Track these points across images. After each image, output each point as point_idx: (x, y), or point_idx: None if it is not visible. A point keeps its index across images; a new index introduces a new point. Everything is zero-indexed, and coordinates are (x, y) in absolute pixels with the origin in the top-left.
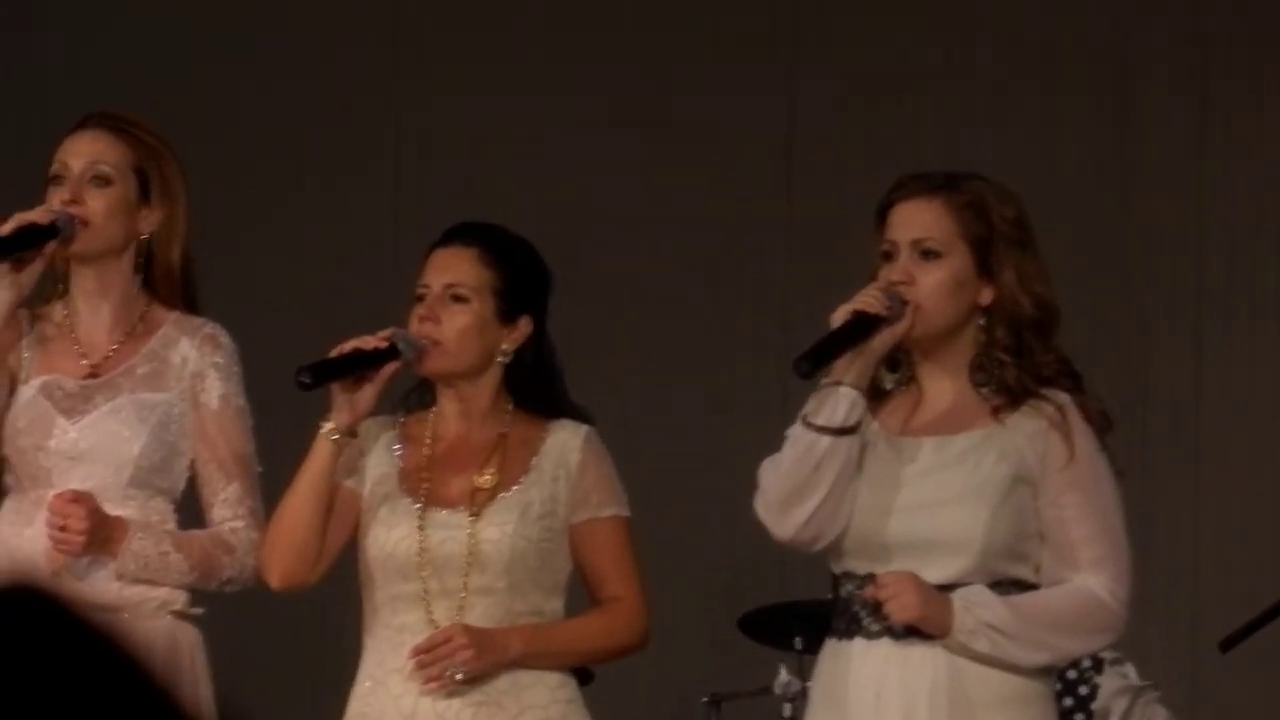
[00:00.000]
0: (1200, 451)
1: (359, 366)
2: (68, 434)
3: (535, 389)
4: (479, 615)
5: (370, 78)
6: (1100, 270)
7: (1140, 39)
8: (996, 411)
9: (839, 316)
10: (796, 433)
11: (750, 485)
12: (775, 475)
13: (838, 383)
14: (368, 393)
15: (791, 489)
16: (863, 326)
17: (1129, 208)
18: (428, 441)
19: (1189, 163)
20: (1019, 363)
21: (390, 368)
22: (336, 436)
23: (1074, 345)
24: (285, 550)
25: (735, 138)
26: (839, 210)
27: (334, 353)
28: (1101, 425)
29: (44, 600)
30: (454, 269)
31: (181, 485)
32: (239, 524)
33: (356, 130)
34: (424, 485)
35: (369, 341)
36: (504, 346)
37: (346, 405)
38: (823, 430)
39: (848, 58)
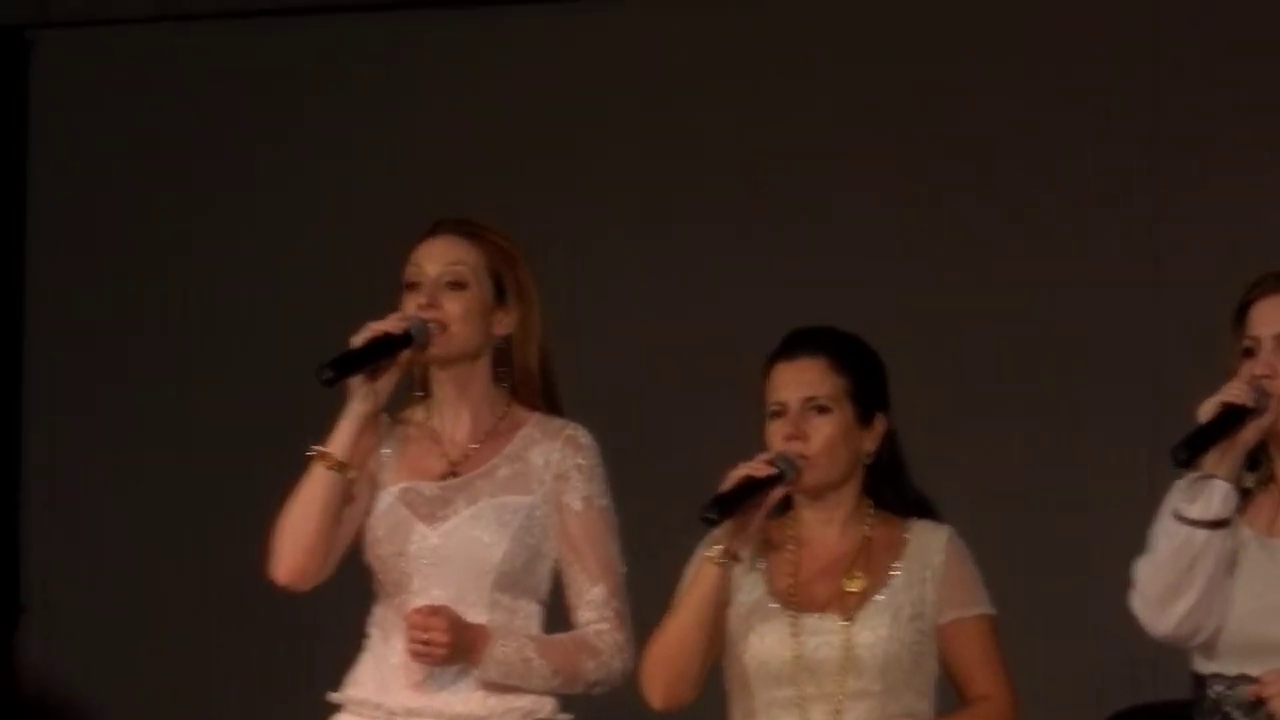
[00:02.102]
0: None
1: (751, 494)
2: (428, 539)
3: (892, 488)
4: (854, 719)
5: None
6: None
7: None
8: None
9: (1207, 410)
10: (1171, 528)
11: (1110, 580)
12: (1151, 570)
13: (1211, 476)
14: (756, 520)
15: (1168, 584)
16: (1232, 418)
17: None
18: (791, 548)
19: None
20: None
21: (778, 492)
22: (722, 561)
23: None
24: (669, 675)
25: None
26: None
27: (728, 484)
28: None
29: None
30: (810, 383)
31: (546, 587)
32: (604, 626)
33: None
34: (792, 592)
35: (759, 469)
36: (867, 448)
37: (734, 531)
38: (1197, 524)
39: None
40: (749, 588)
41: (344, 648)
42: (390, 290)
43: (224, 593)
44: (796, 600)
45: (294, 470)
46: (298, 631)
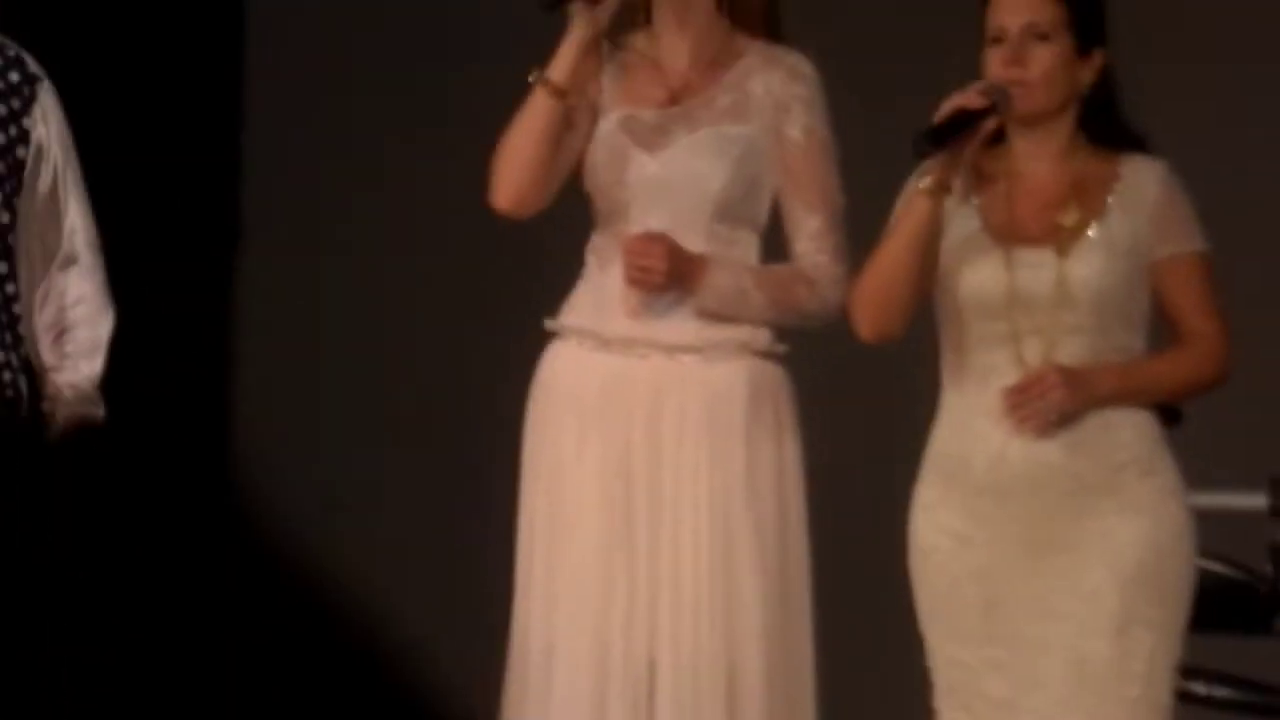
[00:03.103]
0: None
1: (965, 126)
2: (647, 168)
3: (1107, 123)
4: (1068, 354)
5: None
6: None
7: None
8: None
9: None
10: None
11: None
12: None
13: None
14: (968, 152)
15: None
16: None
17: None
18: (1004, 182)
19: None
20: None
21: (991, 123)
22: (934, 193)
23: None
24: (878, 307)
25: None
26: None
27: (940, 115)
28: None
29: None
30: (1031, 7)
31: (764, 218)
32: (822, 258)
33: None
34: (1006, 225)
35: (972, 100)
36: (1084, 79)
37: (947, 162)
38: None
39: None
40: (962, 221)
41: (565, 276)
42: None
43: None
44: (1010, 233)
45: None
46: (520, 256)
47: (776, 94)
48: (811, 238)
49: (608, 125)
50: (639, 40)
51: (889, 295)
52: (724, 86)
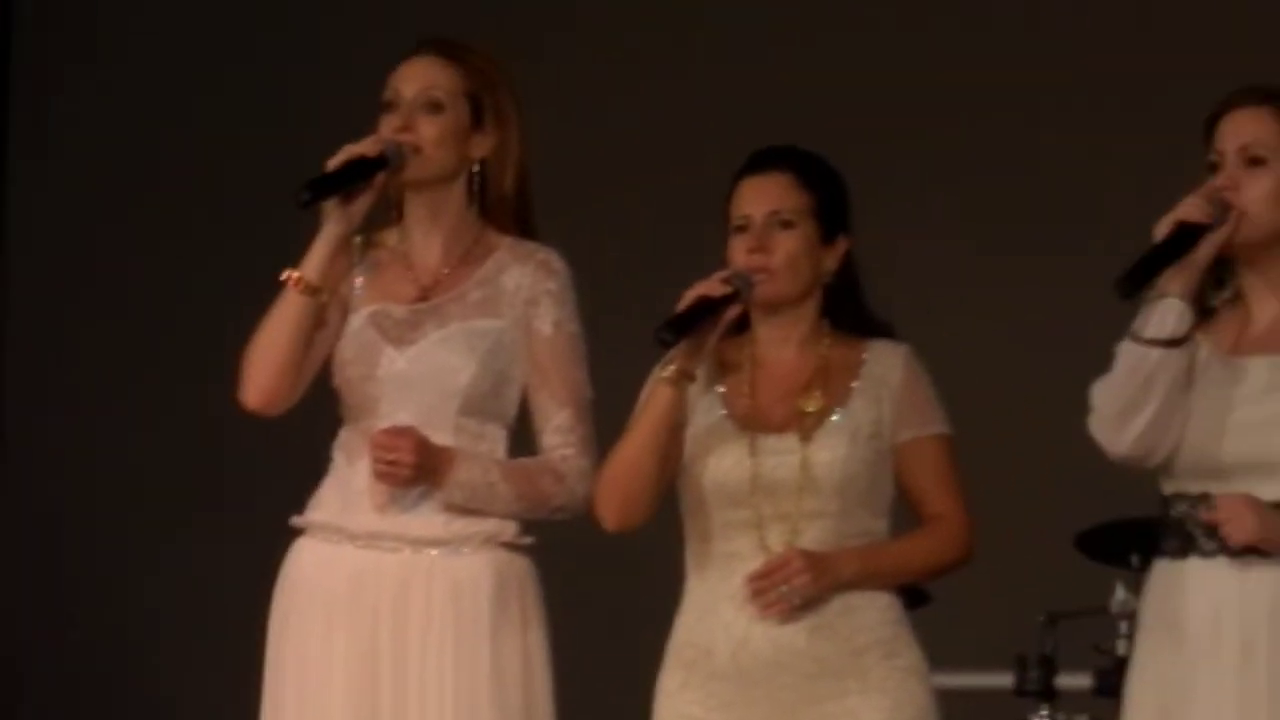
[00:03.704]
0: None
1: (707, 314)
2: (396, 363)
3: (850, 309)
4: (811, 539)
5: None
6: None
7: None
8: None
9: (1162, 229)
10: (1126, 348)
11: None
12: (1107, 392)
13: (1164, 295)
14: (712, 339)
15: (1124, 404)
16: (1187, 237)
17: None
18: (748, 369)
19: None
20: None
21: (733, 311)
22: (677, 381)
23: None
24: (622, 496)
25: None
26: None
27: (683, 304)
28: None
29: None
30: (775, 197)
31: (513, 412)
32: (569, 451)
33: None
34: (750, 413)
35: (714, 288)
36: (827, 267)
37: (689, 351)
38: (1152, 343)
39: None
40: (706, 409)
41: (312, 472)
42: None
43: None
44: (754, 421)
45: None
46: (265, 457)
47: (527, 289)
48: (559, 431)
49: (358, 321)
50: (391, 237)
51: (632, 484)
52: (475, 282)
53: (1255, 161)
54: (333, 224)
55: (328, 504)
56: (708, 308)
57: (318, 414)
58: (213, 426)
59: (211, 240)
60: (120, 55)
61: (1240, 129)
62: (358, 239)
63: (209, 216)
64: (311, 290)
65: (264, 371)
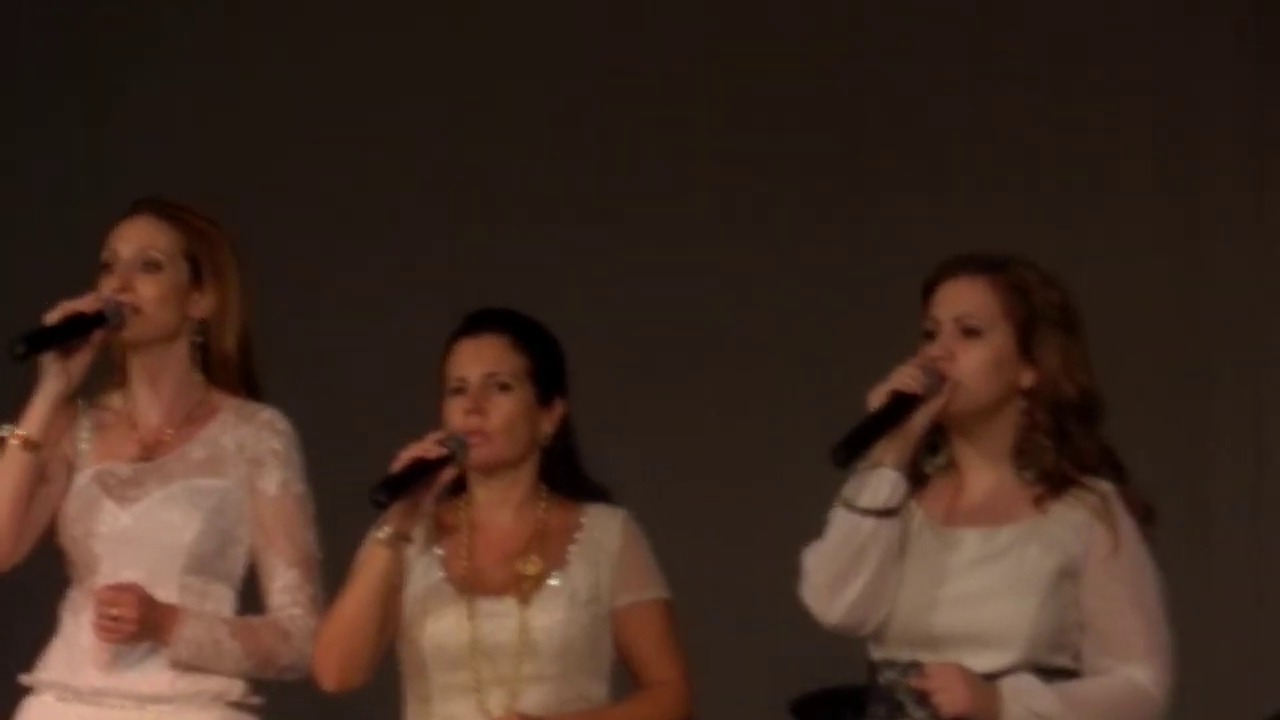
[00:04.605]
0: (1262, 557)
1: (422, 476)
2: (119, 520)
3: (567, 473)
4: (531, 703)
5: None
6: (1161, 372)
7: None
8: (1038, 500)
9: (876, 398)
10: (839, 516)
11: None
12: (820, 560)
13: (878, 464)
14: (428, 501)
15: (836, 572)
16: (901, 406)
17: (1191, 309)
18: (465, 532)
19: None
20: (1061, 449)
21: (449, 472)
22: (393, 543)
23: (1133, 445)
24: (341, 657)
25: None
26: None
27: (397, 466)
28: (1145, 516)
29: None
30: (492, 359)
31: (240, 572)
32: (297, 611)
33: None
34: (468, 575)
35: (429, 450)
36: (545, 430)
37: (405, 512)
38: (865, 513)
39: None
40: (424, 570)
41: (41, 633)
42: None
43: None
44: (472, 583)
45: None
46: None
47: (250, 449)
48: (287, 590)
49: (82, 479)
50: (114, 399)
51: (350, 645)
52: (199, 441)
53: (970, 332)
54: (52, 379)
55: (55, 663)
56: (423, 469)
57: (51, 573)
58: None
59: None
60: None
61: (957, 299)
62: (80, 399)
63: None
64: (32, 446)
65: None
